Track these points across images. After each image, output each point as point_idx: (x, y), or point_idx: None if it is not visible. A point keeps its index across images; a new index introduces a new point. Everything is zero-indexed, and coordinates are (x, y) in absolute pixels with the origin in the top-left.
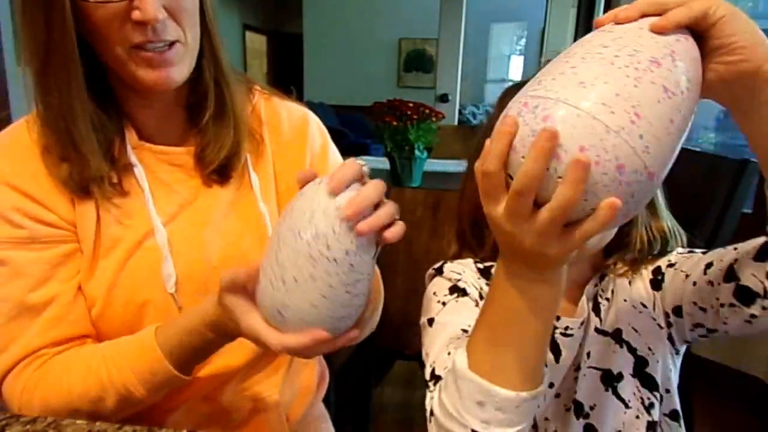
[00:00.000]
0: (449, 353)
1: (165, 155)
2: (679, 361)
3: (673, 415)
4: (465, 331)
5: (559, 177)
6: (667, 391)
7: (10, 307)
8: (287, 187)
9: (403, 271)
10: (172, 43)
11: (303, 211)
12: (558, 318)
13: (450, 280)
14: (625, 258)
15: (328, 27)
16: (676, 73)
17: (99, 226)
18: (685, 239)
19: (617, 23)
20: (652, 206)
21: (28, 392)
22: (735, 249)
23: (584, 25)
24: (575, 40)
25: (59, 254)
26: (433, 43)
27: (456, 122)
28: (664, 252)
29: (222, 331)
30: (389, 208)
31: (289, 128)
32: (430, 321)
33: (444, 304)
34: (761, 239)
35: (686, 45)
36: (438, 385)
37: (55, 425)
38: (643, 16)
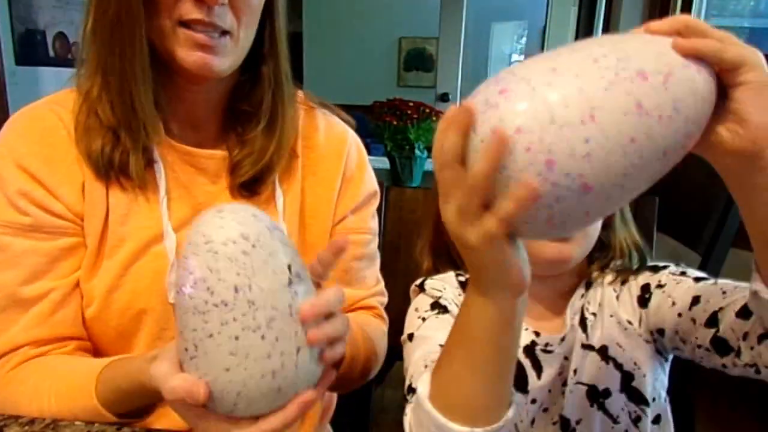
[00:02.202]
0: (426, 366)
1: (189, 156)
2: (667, 367)
3: (655, 420)
4: (442, 345)
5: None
6: (654, 399)
7: (0, 297)
8: (313, 206)
9: (403, 272)
10: (222, 33)
11: (179, 263)
12: (538, 334)
13: (432, 296)
14: (610, 266)
15: (328, 26)
16: (662, 96)
17: (107, 222)
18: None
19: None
20: (623, 219)
21: None
22: (723, 293)
23: (585, 24)
24: (576, 39)
25: (59, 247)
26: (434, 42)
27: None
28: (643, 264)
29: None
30: (340, 325)
31: (325, 143)
32: (410, 336)
33: (424, 319)
34: (746, 292)
35: (696, 79)
36: (411, 402)
37: (53, 426)
38: (676, 34)
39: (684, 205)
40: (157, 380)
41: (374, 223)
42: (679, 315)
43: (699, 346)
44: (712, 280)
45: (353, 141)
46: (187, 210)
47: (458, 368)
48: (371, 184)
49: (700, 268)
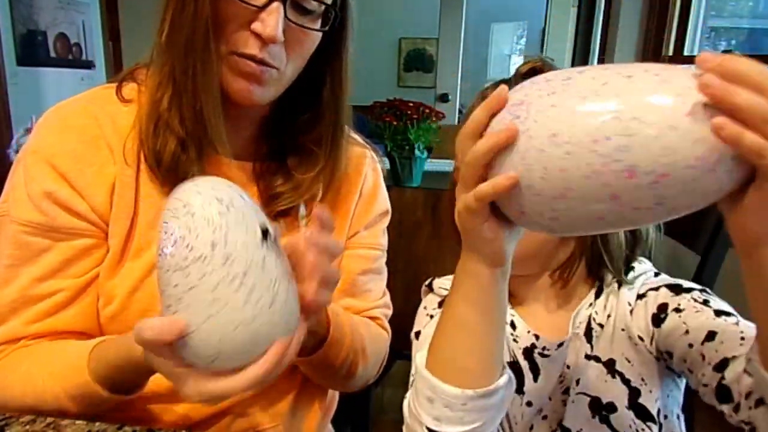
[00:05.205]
0: None
1: (222, 166)
2: (682, 384)
3: None
4: None
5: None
6: (666, 417)
7: (13, 290)
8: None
9: (403, 272)
10: (270, 66)
11: (162, 229)
12: (537, 337)
13: (439, 295)
14: (627, 275)
15: None
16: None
17: (134, 224)
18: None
19: (708, 93)
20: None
21: None
22: (742, 339)
23: (584, 24)
24: (575, 39)
25: (76, 248)
26: (433, 42)
27: (456, 122)
28: (633, 254)
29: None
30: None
31: (345, 164)
32: (417, 334)
33: (431, 317)
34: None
35: (701, 180)
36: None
37: (54, 425)
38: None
39: None
40: (135, 329)
41: (384, 240)
42: (690, 345)
43: (704, 385)
44: (734, 319)
45: (370, 162)
46: None
47: (447, 329)
48: (384, 203)
49: (699, 268)
